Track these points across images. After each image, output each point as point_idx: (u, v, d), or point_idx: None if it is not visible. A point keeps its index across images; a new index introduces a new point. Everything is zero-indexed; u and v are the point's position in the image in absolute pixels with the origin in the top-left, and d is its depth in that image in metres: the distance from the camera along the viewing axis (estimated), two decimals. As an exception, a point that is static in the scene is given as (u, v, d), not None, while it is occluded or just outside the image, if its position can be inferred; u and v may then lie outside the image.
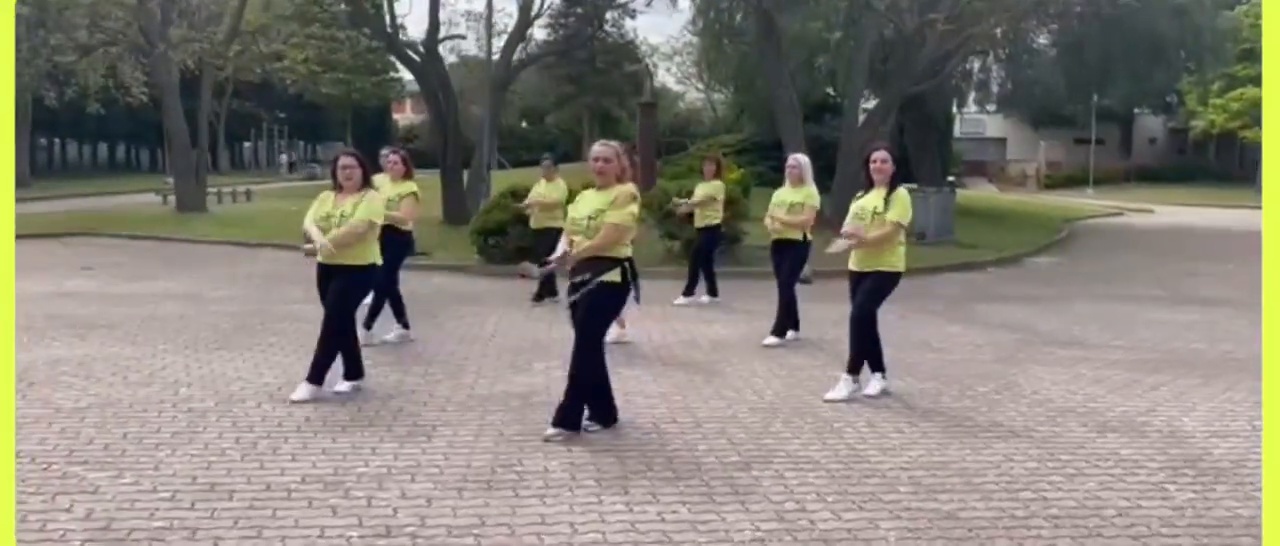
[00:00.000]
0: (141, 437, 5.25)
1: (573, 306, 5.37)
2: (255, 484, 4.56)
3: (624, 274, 5.26)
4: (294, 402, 5.93)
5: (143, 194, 29.69)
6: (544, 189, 10.58)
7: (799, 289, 8.52)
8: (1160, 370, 7.40)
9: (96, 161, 55.09)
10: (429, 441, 5.26)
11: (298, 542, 3.92)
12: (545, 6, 24.68)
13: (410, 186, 8.12)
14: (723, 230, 11.07)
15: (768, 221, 8.62)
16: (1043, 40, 27.77)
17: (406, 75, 44.04)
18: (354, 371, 6.29)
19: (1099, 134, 46.94)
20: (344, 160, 6.29)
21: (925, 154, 27.79)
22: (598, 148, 5.49)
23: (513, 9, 27.59)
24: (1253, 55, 36.13)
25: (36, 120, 36.82)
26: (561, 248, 5.56)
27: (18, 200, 17.48)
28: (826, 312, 9.00)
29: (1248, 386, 6.75)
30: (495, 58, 22.64)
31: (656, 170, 22.12)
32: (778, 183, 9.05)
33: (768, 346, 8.04)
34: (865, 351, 6.27)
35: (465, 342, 8.18)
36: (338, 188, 6.24)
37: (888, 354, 6.47)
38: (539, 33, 36.73)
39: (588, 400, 5.35)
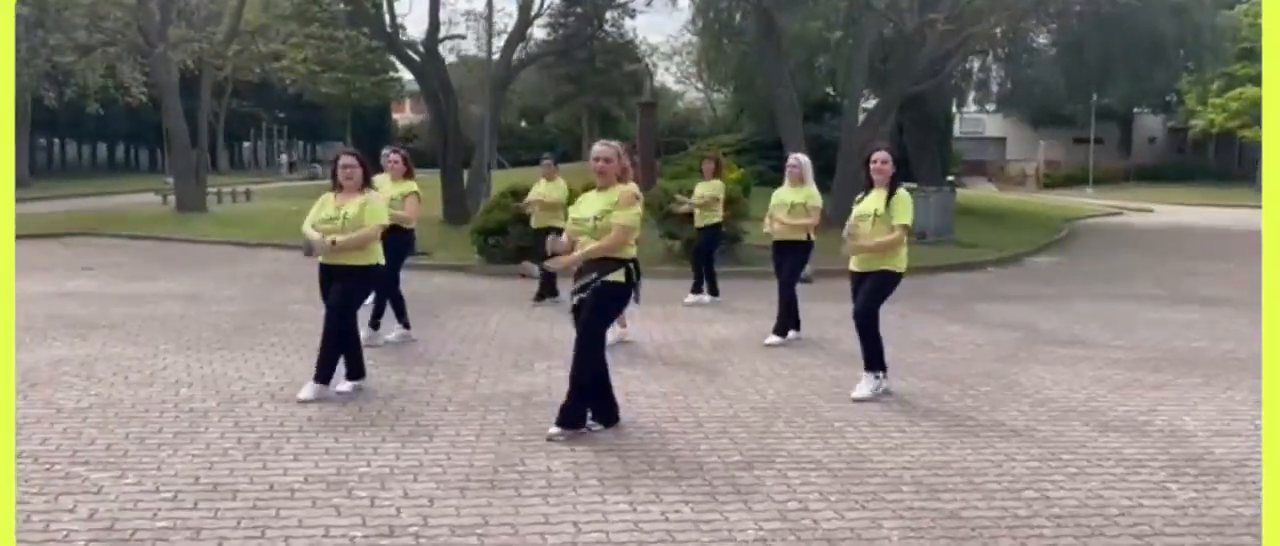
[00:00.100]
0: (144, 438, 5.25)
1: (576, 307, 5.37)
2: (258, 484, 4.56)
3: (628, 274, 5.27)
4: (300, 402, 5.93)
5: (142, 194, 29.68)
6: (544, 189, 10.57)
7: (800, 288, 8.52)
8: (1161, 369, 7.41)
9: (96, 161, 55.09)
10: (431, 441, 5.26)
11: (301, 542, 3.92)
12: (545, 6, 24.69)
13: (411, 186, 8.13)
14: (723, 229, 11.07)
15: (767, 225, 8.63)
16: (1042, 39, 27.80)
17: (406, 75, 44.04)
18: (355, 371, 6.29)
19: (1098, 133, 46.95)
20: (344, 159, 6.29)
21: (925, 154, 27.80)
22: (598, 148, 5.50)
23: (512, 9, 27.61)
24: (1252, 54, 36.16)
25: (36, 120, 36.82)
26: (550, 241, 5.62)
27: (17, 200, 17.47)
28: (827, 312, 9.01)
29: (1249, 385, 6.76)
30: (495, 57, 22.64)
31: (656, 170, 22.12)
32: (777, 182, 9.06)
33: (769, 346, 8.05)
34: (873, 348, 6.27)
35: (467, 342, 8.18)
36: (337, 187, 6.24)
37: (889, 353, 6.46)
38: (538, 32, 36.75)
39: (589, 399, 5.35)
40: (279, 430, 5.43)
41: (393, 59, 41.74)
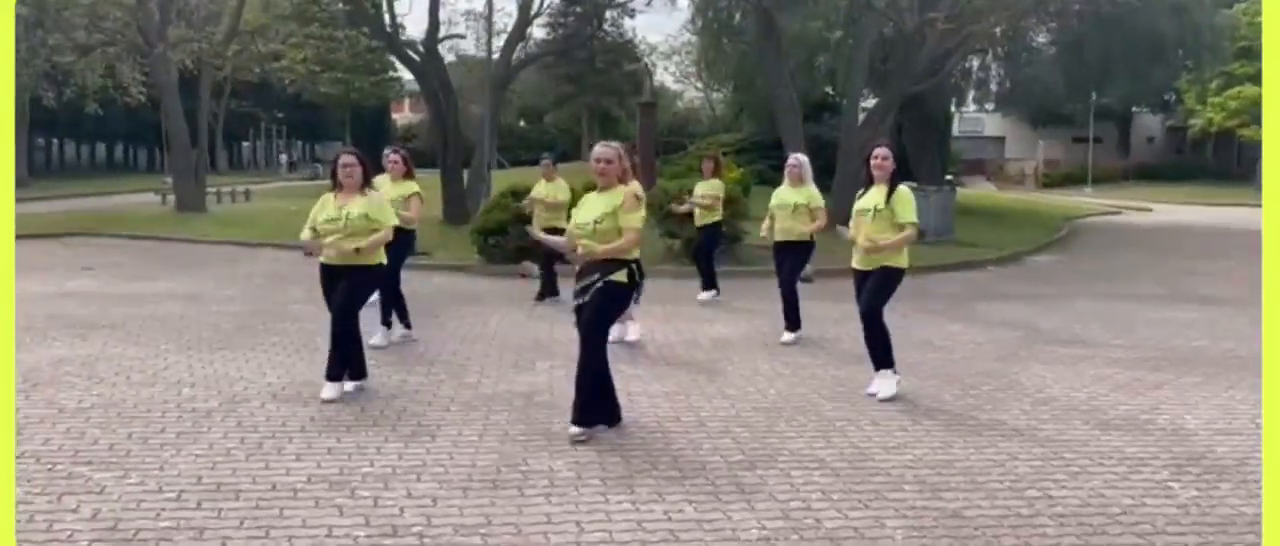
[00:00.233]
0: (146, 438, 5.26)
1: (579, 308, 5.37)
2: (261, 484, 4.57)
3: (631, 274, 5.27)
4: (325, 402, 5.94)
5: (141, 194, 29.66)
6: (545, 189, 10.58)
7: (800, 288, 8.53)
8: (1162, 368, 7.41)
9: (94, 161, 55.03)
10: (433, 441, 5.27)
11: (305, 542, 3.92)
12: (544, 6, 24.65)
13: (412, 186, 8.13)
14: (723, 229, 11.08)
15: (764, 229, 8.66)
16: (1041, 39, 27.79)
17: (405, 75, 44.08)
18: (357, 372, 6.29)
19: (1097, 132, 46.97)
20: (344, 159, 6.29)
21: (925, 153, 27.79)
22: (599, 149, 5.50)
23: (512, 8, 27.60)
24: (1250, 53, 36.19)
25: (34, 120, 36.80)
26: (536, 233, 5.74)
27: (16, 200, 17.45)
28: (828, 311, 9.02)
29: (1250, 384, 6.77)
30: (495, 57, 22.64)
31: (656, 170, 22.12)
32: (777, 181, 9.06)
33: (785, 344, 8.07)
34: (883, 346, 6.27)
35: (467, 342, 8.18)
36: (337, 186, 6.24)
37: (892, 353, 6.46)
38: (538, 32, 36.79)
39: (591, 391, 5.32)
40: (281, 430, 5.44)
41: (392, 59, 41.76)
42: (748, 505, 4.36)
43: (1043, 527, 4.16)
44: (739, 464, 4.94)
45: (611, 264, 5.24)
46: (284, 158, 58.64)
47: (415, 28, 47.82)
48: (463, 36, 37.23)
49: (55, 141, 51.85)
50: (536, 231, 6.32)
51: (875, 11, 20.02)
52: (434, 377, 6.77)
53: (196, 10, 24.76)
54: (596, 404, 5.46)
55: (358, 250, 6.06)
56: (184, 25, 23.78)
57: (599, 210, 5.29)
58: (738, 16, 25.28)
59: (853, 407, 6.08)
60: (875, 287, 6.25)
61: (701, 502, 4.38)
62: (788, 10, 21.61)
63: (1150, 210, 32.00)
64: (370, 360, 6.59)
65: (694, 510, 4.29)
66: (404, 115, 66.42)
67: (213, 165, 38.39)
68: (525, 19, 23.10)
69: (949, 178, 25.33)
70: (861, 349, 6.69)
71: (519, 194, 12.79)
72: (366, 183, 6.28)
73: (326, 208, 6.18)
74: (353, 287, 6.14)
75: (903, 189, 6.28)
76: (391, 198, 7.54)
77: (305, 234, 6.27)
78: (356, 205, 6.11)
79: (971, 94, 36.01)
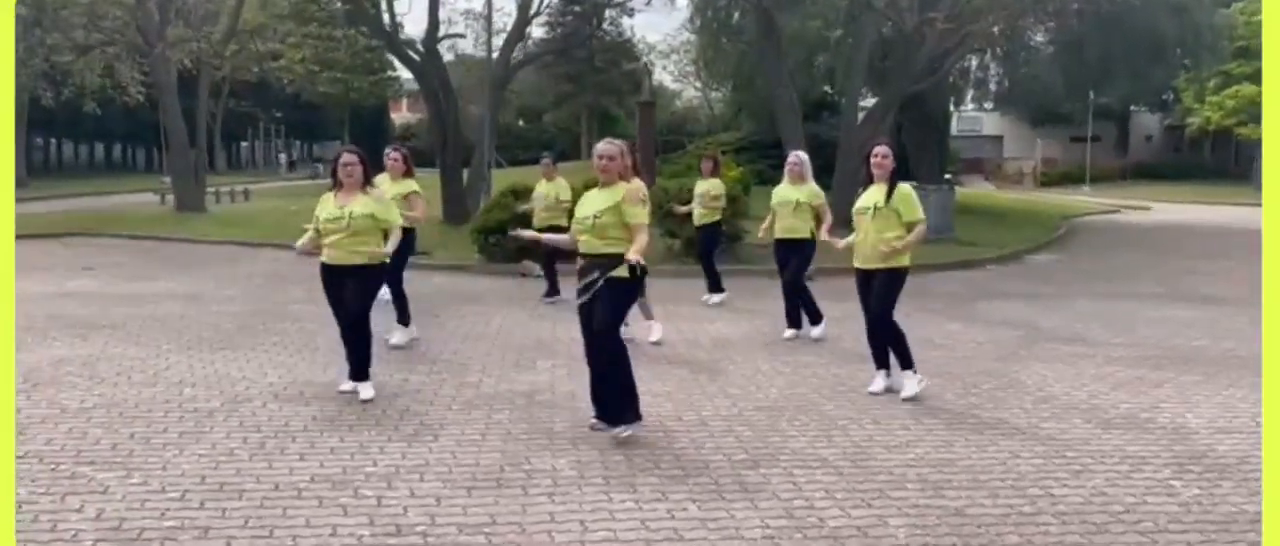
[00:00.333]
0: (149, 437, 5.26)
1: (582, 307, 5.38)
2: (264, 483, 4.57)
3: (631, 269, 5.27)
4: (364, 402, 5.95)
5: (140, 194, 29.66)
6: (545, 188, 10.59)
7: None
8: (1162, 367, 7.43)
9: (93, 161, 55.01)
10: (436, 440, 5.27)
11: (309, 542, 3.92)
12: (543, 5, 24.63)
13: (412, 185, 8.13)
14: (723, 228, 11.08)
15: (762, 231, 8.69)
16: (1040, 38, 27.81)
17: (404, 74, 44.09)
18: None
19: (1095, 131, 47.02)
20: (345, 157, 6.29)
21: (924, 152, 27.80)
22: (602, 146, 5.50)
23: (511, 8, 27.57)
24: (1248, 52, 36.22)
25: (33, 120, 36.78)
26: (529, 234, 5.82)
27: (15, 200, 17.43)
28: (829, 310, 8.99)
29: (1250, 383, 6.78)
30: (494, 56, 22.63)
31: (655, 169, 22.12)
32: (776, 180, 9.07)
33: (816, 339, 8.15)
34: (901, 347, 6.28)
35: (469, 342, 8.18)
36: (337, 185, 6.24)
37: (892, 352, 6.48)
38: (537, 31, 36.78)
39: (622, 388, 5.31)
40: (284, 430, 5.44)
41: (391, 58, 41.75)
42: (751, 504, 4.37)
43: (1046, 526, 4.17)
44: (742, 462, 4.95)
45: (612, 260, 5.25)
46: (283, 157, 58.60)
47: (414, 27, 47.80)
48: (462, 36, 37.23)
49: (53, 141, 51.83)
50: (523, 233, 6.30)
51: (874, 11, 20.03)
52: (436, 377, 6.77)
53: (195, 10, 24.76)
54: (598, 404, 5.47)
55: (385, 258, 6.18)
56: (183, 25, 23.77)
57: (599, 205, 5.29)
58: (737, 15, 25.28)
59: (854, 406, 6.09)
60: (882, 292, 6.26)
61: (705, 501, 4.39)
62: (787, 9, 21.62)
63: (1149, 209, 32.03)
64: (373, 360, 6.58)
65: (697, 509, 4.30)
66: (402, 114, 66.40)
67: (211, 165, 38.39)
68: (524, 18, 23.09)
69: (947, 177, 25.33)
70: (862, 348, 6.71)
71: (520, 193, 12.80)
72: (367, 181, 6.29)
73: (327, 206, 6.17)
74: (363, 291, 6.15)
75: (904, 187, 6.29)
76: (391, 196, 7.55)
77: (308, 236, 6.27)
78: (359, 204, 6.11)
79: (970, 93, 36.05)
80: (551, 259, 10.28)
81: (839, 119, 23.73)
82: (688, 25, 34.08)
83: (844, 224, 7.29)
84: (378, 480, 4.63)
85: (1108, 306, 10.81)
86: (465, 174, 20.88)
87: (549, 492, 4.48)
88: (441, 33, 21.71)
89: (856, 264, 6.41)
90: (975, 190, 37.65)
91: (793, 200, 8.33)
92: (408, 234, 7.89)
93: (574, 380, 6.48)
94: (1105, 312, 10.31)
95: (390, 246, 6.21)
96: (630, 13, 35.73)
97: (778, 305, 8.71)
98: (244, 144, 61.38)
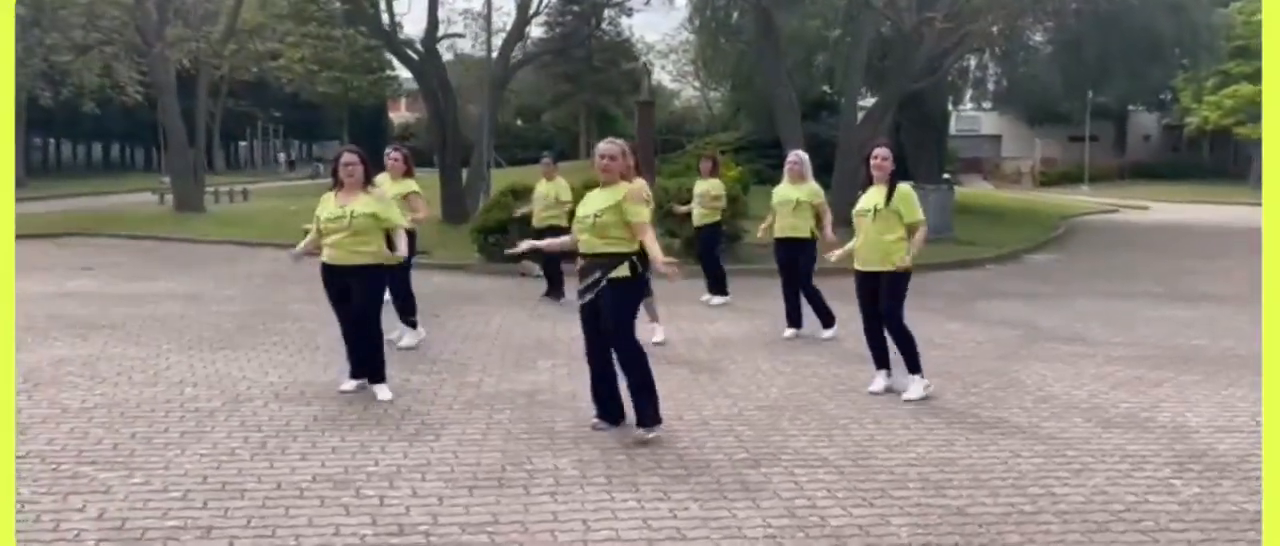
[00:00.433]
0: (150, 437, 5.26)
1: (584, 307, 5.38)
2: (266, 483, 4.57)
3: (633, 267, 5.28)
4: (383, 403, 5.96)
5: (138, 194, 29.65)
6: (545, 188, 10.59)
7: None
8: (1162, 366, 7.44)
9: (91, 161, 54.97)
10: (437, 440, 5.27)
11: (312, 541, 3.93)
12: (542, 5, 24.63)
13: (411, 184, 8.12)
14: (723, 228, 11.08)
15: (761, 231, 8.69)
16: (1038, 37, 27.83)
17: (403, 74, 44.07)
18: (360, 371, 6.29)
19: (1093, 131, 47.08)
20: (346, 157, 6.30)
21: (923, 152, 27.83)
22: (603, 146, 5.50)
23: (510, 7, 27.55)
24: (1246, 52, 36.27)
25: (31, 120, 36.78)
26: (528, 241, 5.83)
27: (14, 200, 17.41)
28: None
29: (1249, 382, 6.79)
30: (494, 56, 22.63)
31: (655, 168, 22.12)
32: (775, 180, 9.08)
33: (825, 339, 8.15)
34: (910, 350, 6.29)
35: (469, 341, 8.19)
36: (338, 184, 6.24)
37: (893, 352, 6.49)
38: (536, 31, 36.78)
39: (647, 388, 5.31)
40: (285, 429, 5.44)
41: (390, 58, 41.75)
42: (753, 503, 4.37)
43: (1047, 524, 4.18)
44: (743, 462, 4.96)
45: (612, 260, 5.25)
46: (282, 157, 58.57)
47: (413, 27, 47.78)
48: (461, 36, 37.16)
49: (52, 141, 51.78)
50: (519, 247, 6.27)
51: (873, 10, 20.03)
52: (437, 377, 6.78)
53: (194, 9, 24.76)
54: (600, 404, 5.48)
55: (400, 260, 6.27)
56: (181, 24, 23.77)
57: (599, 204, 5.30)
58: (735, 15, 25.28)
59: (855, 406, 6.09)
60: (890, 293, 6.26)
61: (707, 500, 4.40)
62: (786, 8, 21.62)
63: (1147, 209, 32.07)
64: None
65: (699, 508, 4.31)
66: (401, 114, 66.38)
67: (210, 165, 38.38)
68: (523, 18, 23.10)
69: (946, 176, 25.35)
70: (863, 348, 6.72)
71: (519, 193, 12.80)
72: (368, 181, 6.29)
73: (328, 206, 6.17)
74: (368, 292, 6.16)
75: (904, 188, 6.30)
76: (391, 196, 7.55)
77: (309, 237, 6.27)
78: (361, 203, 6.11)
79: (969, 92, 36.06)
80: (553, 259, 10.28)
81: (838, 118, 23.75)
82: (686, 25, 34.11)
83: (844, 223, 7.31)
84: (380, 480, 4.64)
85: (1107, 306, 10.82)
86: (464, 173, 20.88)
87: (551, 492, 4.49)
88: (440, 32, 21.72)
89: (857, 266, 6.41)
90: (974, 190, 37.70)
91: (793, 199, 8.34)
92: (409, 234, 7.90)
93: (575, 380, 6.49)
94: (1104, 312, 10.33)
95: (402, 249, 6.23)
96: (629, 12, 35.76)
97: (778, 305, 8.73)
98: (242, 144, 61.35)
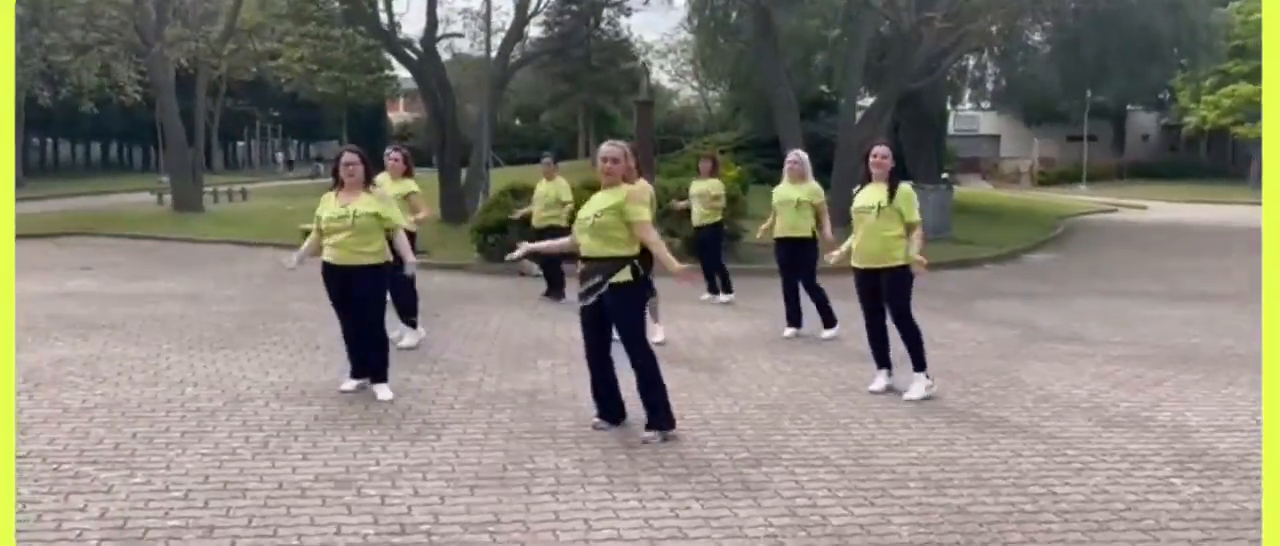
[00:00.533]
0: (151, 437, 5.26)
1: (584, 309, 5.38)
2: (268, 482, 4.57)
3: (634, 270, 5.29)
4: (385, 403, 5.96)
5: (137, 193, 29.60)
6: (545, 188, 10.59)
7: (798, 287, 8.55)
8: (1162, 365, 7.45)
9: (89, 161, 54.90)
10: (439, 439, 5.28)
11: (314, 541, 3.93)
12: (541, 4, 24.64)
13: (410, 184, 8.13)
14: (725, 227, 11.08)
15: (763, 230, 8.70)
16: (1037, 37, 27.85)
17: (401, 73, 44.06)
18: (361, 370, 6.29)
19: (1092, 130, 47.13)
20: (347, 157, 6.30)
21: (921, 151, 27.84)
22: (605, 147, 5.51)
23: (509, 7, 27.55)
24: (1244, 52, 36.32)
25: (30, 120, 36.72)
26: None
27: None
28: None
29: (1249, 381, 6.80)
30: (493, 55, 22.63)
31: (654, 168, 22.11)
32: (774, 180, 9.09)
33: (825, 339, 8.17)
34: (917, 347, 6.30)
35: (469, 341, 8.19)
36: (338, 184, 6.24)
37: (894, 351, 6.50)
38: (534, 30, 36.79)
39: (658, 390, 5.32)
40: (286, 429, 5.44)
41: (389, 57, 41.71)
42: (754, 502, 4.38)
43: (1048, 523, 4.18)
44: (744, 461, 4.96)
45: (612, 263, 5.25)
46: (281, 156, 58.49)
47: (412, 26, 47.73)
48: (460, 35, 37.15)
49: (50, 141, 51.70)
50: (518, 251, 6.27)
51: (872, 10, 20.04)
52: (437, 377, 6.78)
53: (193, 9, 24.75)
54: (601, 403, 5.49)
55: (414, 269, 6.39)
56: (180, 24, 23.76)
57: (601, 205, 5.30)
58: (734, 15, 25.29)
59: (855, 405, 6.10)
60: (895, 292, 6.28)
61: (708, 499, 4.40)
62: (785, 8, 21.64)
63: (1145, 208, 32.10)
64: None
65: (701, 507, 4.31)
66: (399, 114, 66.33)
67: (208, 164, 38.30)
68: (522, 18, 23.08)
69: (944, 176, 25.38)
70: (863, 347, 6.73)
71: (518, 193, 12.81)
72: (369, 180, 6.29)
73: (330, 206, 6.16)
74: (372, 292, 6.17)
75: (905, 187, 6.32)
76: (391, 195, 7.55)
77: (312, 236, 6.26)
78: (363, 203, 6.10)
79: (967, 92, 36.07)
80: (554, 259, 10.27)
81: (836, 118, 23.75)
82: (685, 24, 34.11)
83: (843, 222, 7.31)
84: (381, 479, 4.64)
85: (1106, 305, 10.84)
86: (463, 173, 20.88)
87: (553, 491, 4.49)
88: (439, 32, 21.70)
89: (858, 264, 6.41)
90: (972, 189, 37.73)
91: (794, 199, 8.35)
92: (409, 235, 7.89)
93: (575, 379, 6.49)
94: (1103, 311, 10.34)
95: (409, 256, 6.26)
96: (627, 12, 35.87)
97: (778, 304, 8.73)
98: (241, 143, 61.28)
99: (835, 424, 5.67)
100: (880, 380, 6.46)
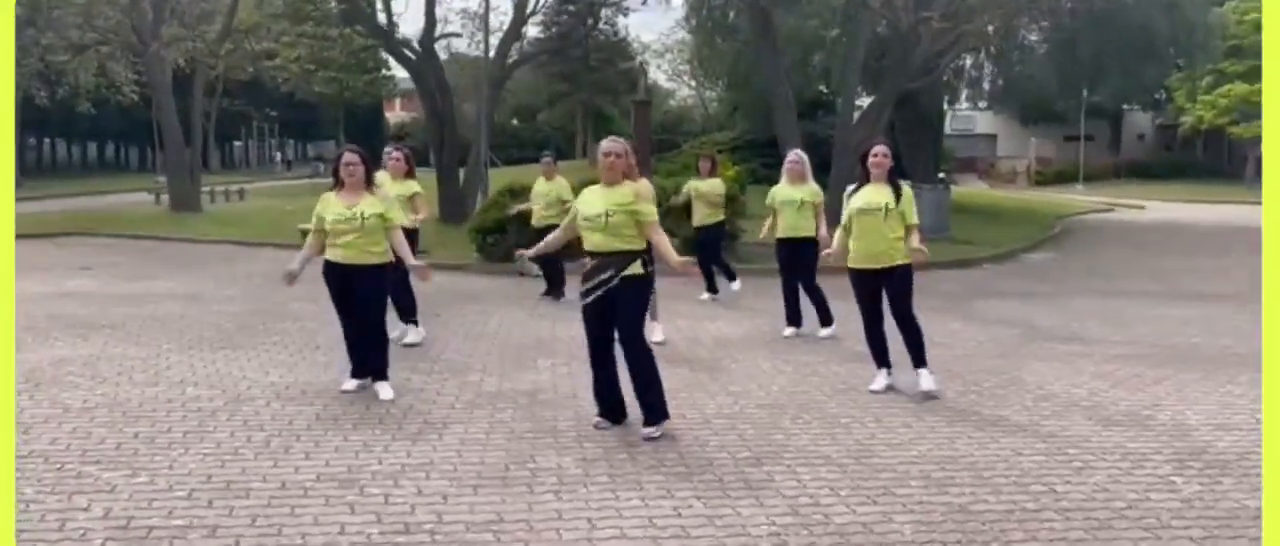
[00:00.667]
0: (153, 437, 5.26)
1: (588, 306, 5.39)
2: (271, 482, 4.58)
3: (644, 264, 5.32)
4: (386, 402, 5.95)
5: (134, 193, 29.56)
6: (545, 187, 10.59)
7: (799, 287, 8.56)
8: (1161, 364, 7.47)
9: (87, 161, 54.81)
10: (440, 439, 5.28)
11: (318, 540, 3.94)
12: (540, 4, 24.63)
13: (413, 185, 8.14)
14: (726, 227, 11.09)
15: (765, 230, 8.73)
16: (1034, 37, 27.87)
17: (399, 73, 43.97)
18: (361, 370, 6.30)
19: (1088, 130, 47.15)
20: (347, 157, 6.30)
21: (919, 151, 27.86)
22: (607, 143, 5.52)
23: (507, 7, 27.55)
24: (1240, 52, 36.40)
25: (27, 120, 36.63)
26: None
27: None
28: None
29: (1248, 380, 6.82)
30: (491, 55, 22.63)
31: (651, 168, 22.12)
32: (772, 180, 9.09)
33: (823, 337, 8.20)
34: (919, 343, 6.32)
35: (469, 340, 8.20)
36: (339, 184, 6.24)
37: (893, 350, 6.51)
38: (532, 30, 36.74)
39: (656, 386, 5.33)
40: (288, 428, 5.45)
41: (386, 57, 41.63)
42: (756, 501, 4.39)
43: (1049, 522, 4.20)
44: (746, 460, 4.97)
45: (623, 258, 5.27)
46: (279, 156, 58.41)
47: (410, 26, 47.63)
48: (458, 35, 37.12)
49: (47, 141, 51.62)
50: (526, 253, 6.27)
51: (870, 10, 20.05)
52: (438, 376, 6.78)
53: (190, 9, 24.72)
54: (603, 403, 5.50)
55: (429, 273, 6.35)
56: (177, 24, 23.73)
57: (609, 203, 5.30)
58: (732, 14, 25.28)
59: (856, 404, 6.11)
60: (900, 291, 6.30)
61: (710, 499, 4.41)
62: (783, 7, 21.62)
63: (1143, 208, 32.14)
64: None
65: (703, 506, 4.32)
66: (397, 113, 66.27)
67: (205, 164, 38.25)
68: (520, 17, 23.07)
69: (942, 175, 25.40)
70: (863, 346, 6.74)
71: (516, 193, 12.80)
72: (369, 180, 6.29)
73: (334, 207, 6.15)
74: (374, 292, 6.18)
75: (907, 189, 6.35)
76: (393, 196, 7.55)
77: (312, 238, 6.26)
78: (368, 204, 6.10)
79: (964, 92, 36.09)
80: (553, 259, 10.26)
81: (834, 118, 23.75)
82: (682, 24, 34.14)
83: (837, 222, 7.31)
84: (384, 478, 4.64)
85: (1105, 304, 10.86)
86: (462, 173, 20.87)
87: (555, 490, 4.50)
88: (437, 32, 21.70)
89: (859, 265, 6.41)
90: (969, 189, 37.78)
91: (796, 199, 8.36)
92: (411, 234, 7.90)
93: (575, 379, 6.51)
94: (1102, 310, 10.36)
95: (407, 255, 6.25)
96: (625, 12, 35.90)
97: (778, 304, 8.75)
98: (238, 143, 61.21)
99: (836, 423, 5.68)
100: (880, 379, 6.47)
